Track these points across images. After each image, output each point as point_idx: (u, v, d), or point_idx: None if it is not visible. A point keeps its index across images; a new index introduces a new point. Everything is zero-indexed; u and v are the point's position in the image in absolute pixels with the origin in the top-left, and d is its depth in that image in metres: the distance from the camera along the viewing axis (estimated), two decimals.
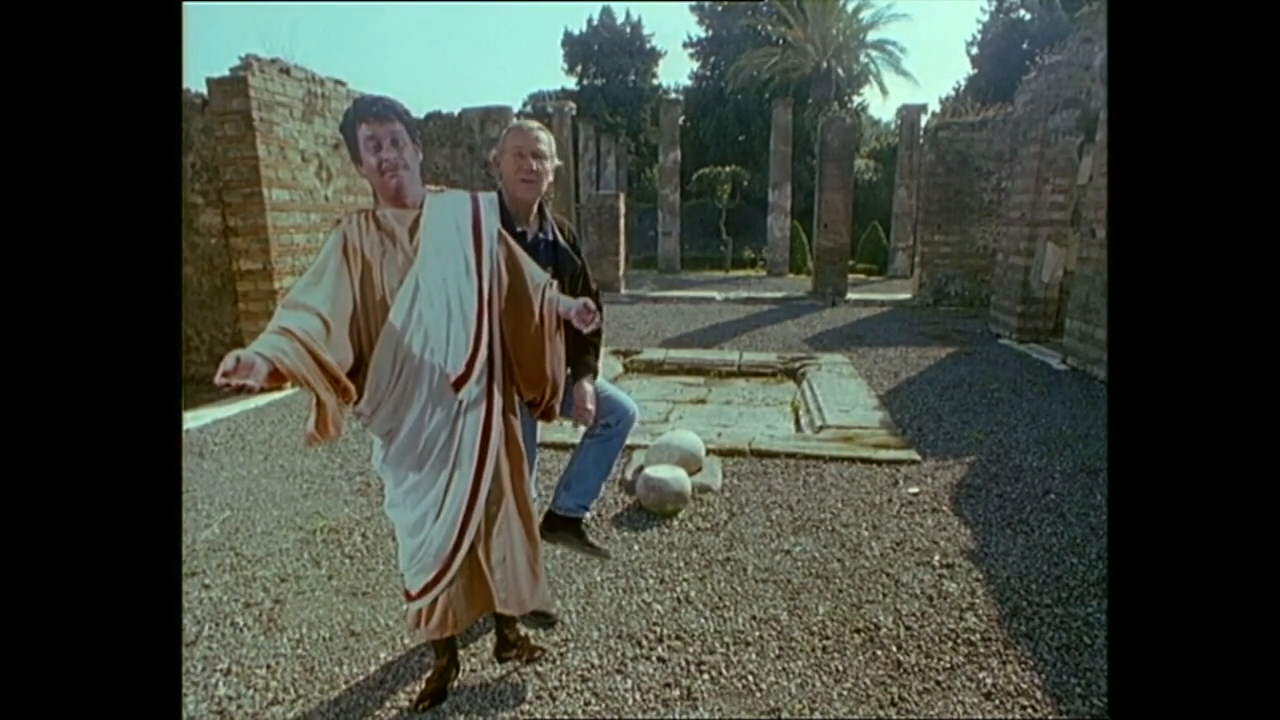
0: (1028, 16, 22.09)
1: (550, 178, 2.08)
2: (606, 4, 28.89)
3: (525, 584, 1.97)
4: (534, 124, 2.04)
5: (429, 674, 2.04)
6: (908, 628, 2.30)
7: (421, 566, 1.85)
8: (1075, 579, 2.59)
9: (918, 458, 3.87)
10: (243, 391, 1.49)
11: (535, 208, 2.11)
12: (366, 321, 1.71)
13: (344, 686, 2.03)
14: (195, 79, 5.43)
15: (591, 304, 1.89)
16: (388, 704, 1.96)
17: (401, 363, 1.71)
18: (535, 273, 1.89)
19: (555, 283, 1.93)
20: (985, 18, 23.45)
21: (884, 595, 2.50)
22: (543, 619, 2.26)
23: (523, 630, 2.21)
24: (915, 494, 3.39)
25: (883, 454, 3.90)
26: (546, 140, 2.03)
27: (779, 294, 11.72)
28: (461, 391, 1.77)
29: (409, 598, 1.90)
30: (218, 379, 1.41)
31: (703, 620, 2.35)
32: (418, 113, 11.02)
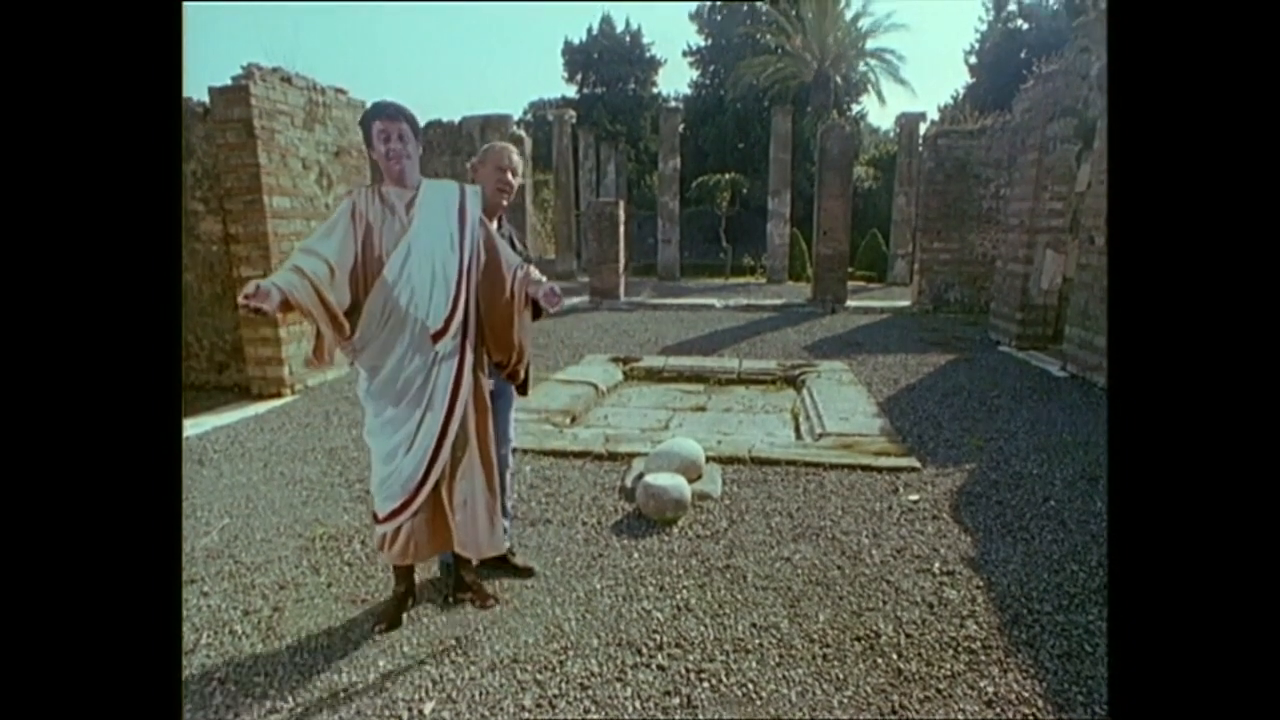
0: (1025, 26, 22.21)
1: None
2: (607, 6, 28.98)
3: (484, 530, 2.24)
4: (510, 145, 2.50)
5: (388, 598, 2.36)
6: (908, 635, 2.29)
7: (390, 493, 2.13)
8: (1076, 586, 2.59)
9: (918, 465, 3.86)
10: (258, 314, 1.80)
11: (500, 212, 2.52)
12: (364, 273, 2.04)
13: (343, 695, 2.02)
14: (199, 88, 5.44)
15: (558, 288, 2.20)
16: (387, 713, 1.95)
17: (390, 311, 2.03)
18: (510, 257, 2.23)
19: (530, 267, 2.24)
20: (983, 27, 23.59)
21: (884, 603, 2.49)
22: (523, 572, 2.66)
23: (478, 576, 2.51)
24: (915, 501, 3.39)
25: (883, 461, 3.89)
26: (519, 160, 2.50)
27: (778, 301, 11.74)
28: (439, 344, 2.09)
29: (377, 521, 2.19)
30: (239, 300, 1.75)
31: (703, 628, 2.34)
32: (420, 121, 11.07)
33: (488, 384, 2.29)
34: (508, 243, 2.43)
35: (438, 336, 2.07)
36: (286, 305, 1.84)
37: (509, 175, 2.42)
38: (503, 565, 2.68)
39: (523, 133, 11.92)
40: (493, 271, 2.17)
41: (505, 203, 2.46)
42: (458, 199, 2.15)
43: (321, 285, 1.92)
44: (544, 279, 2.21)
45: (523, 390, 2.53)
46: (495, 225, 2.41)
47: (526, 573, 2.67)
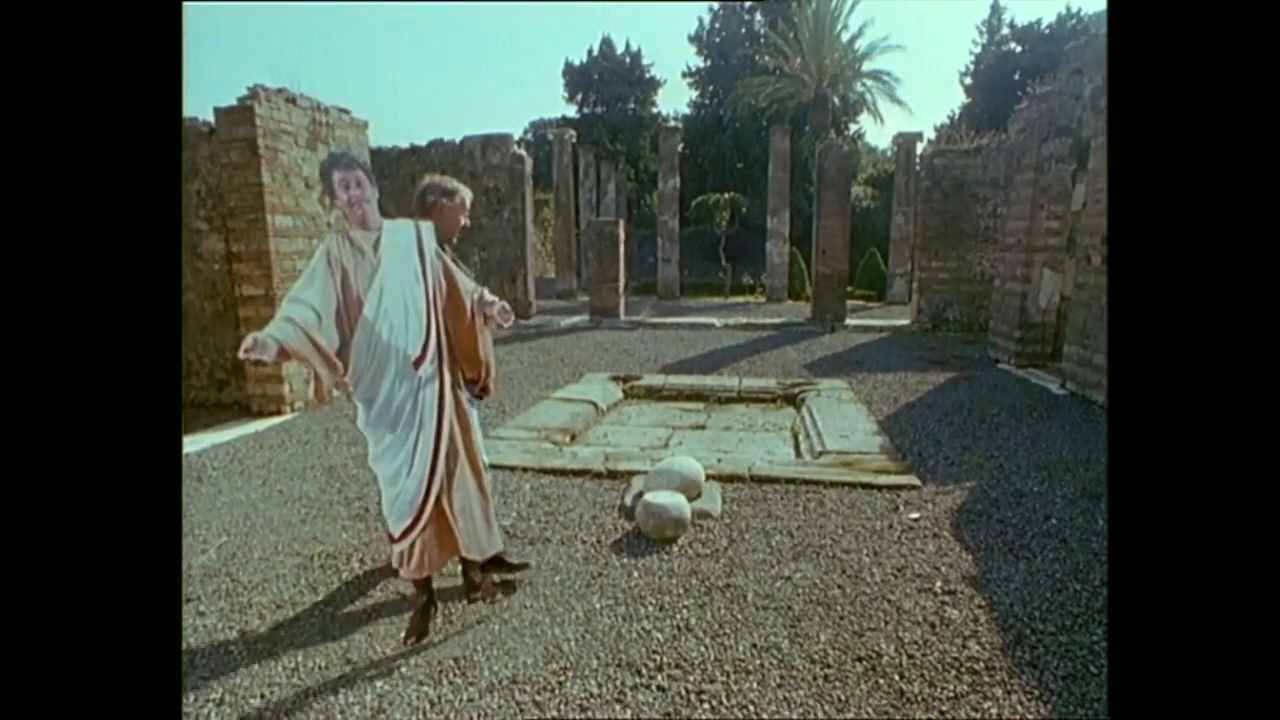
0: (1018, 48, 22.53)
1: None
2: (608, 19, 29.17)
3: (483, 531, 2.45)
4: (469, 192, 2.77)
5: (413, 613, 2.45)
6: (910, 656, 2.27)
7: (400, 512, 2.31)
8: (1079, 606, 2.57)
9: (918, 483, 3.85)
10: (259, 365, 2.04)
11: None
12: (347, 313, 2.23)
13: (340, 717, 2.00)
14: (204, 109, 5.52)
15: (508, 306, 2.48)
16: None
17: (375, 345, 2.23)
18: (466, 282, 2.46)
19: (483, 290, 2.50)
20: (978, 49, 23.92)
21: (886, 622, 2.47)
22: (518, 568, 2.75)
23: (486, 574, 2.64)
24: (916, 519, 3.37)
25: (883, 479, 3.88)
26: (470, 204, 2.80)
27: (778, 320, 11.76)
28: (420, 369, 2.28)
29: (392, 540, 2.36)
30: (239, 354, 1.94)
31: (703, 648, 2.32)
32: (421, 140, 11.26)
33: (465, 399, 2.51)
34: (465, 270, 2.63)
35: (418, 362, 2.27)
36: (283, 353, 2.04)
37: (464, 218, 2.75)
38: (499, 566, 2.74)
39: (523, 152, 12.02)
40: (454, 297, 2.40)
41: (454, 240, 2.72)
42: (415, 236, 2.34)
43: (312, 330, 2.10)
44: (496, 299, 2.49)
45: (484, 393, 2.75)
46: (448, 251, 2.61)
47: (522, 568, 2.80)
